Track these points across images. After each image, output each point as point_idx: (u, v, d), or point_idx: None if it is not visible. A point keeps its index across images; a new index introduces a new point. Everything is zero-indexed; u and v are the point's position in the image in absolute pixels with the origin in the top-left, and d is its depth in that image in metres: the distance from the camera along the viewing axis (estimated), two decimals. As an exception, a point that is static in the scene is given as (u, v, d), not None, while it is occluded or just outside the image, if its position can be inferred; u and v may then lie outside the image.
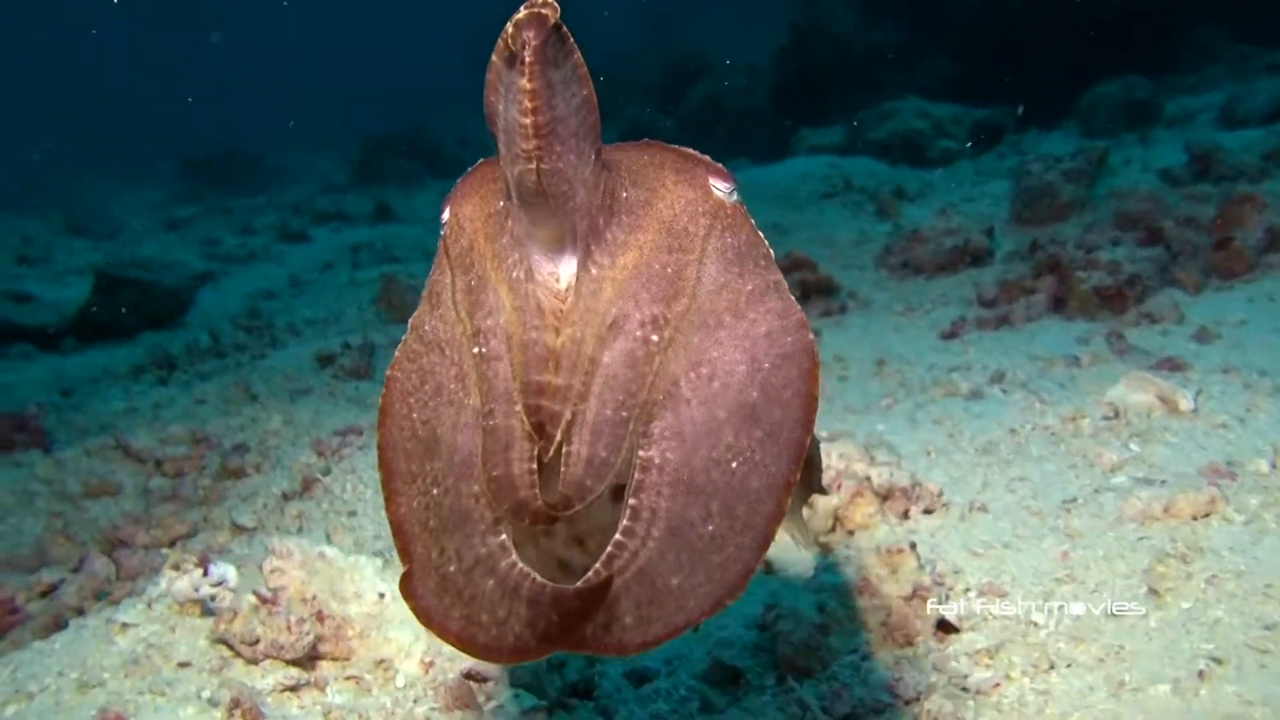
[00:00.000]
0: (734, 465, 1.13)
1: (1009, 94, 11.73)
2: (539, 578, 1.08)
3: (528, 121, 1.03)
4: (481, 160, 1.34)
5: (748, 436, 1.15)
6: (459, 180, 1.34)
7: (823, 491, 2.61)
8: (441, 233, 1.32)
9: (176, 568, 3.22)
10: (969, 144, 10.78)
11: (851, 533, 2.87)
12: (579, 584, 1.06)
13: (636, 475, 1.11)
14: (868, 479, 2.98)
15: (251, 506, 3.61)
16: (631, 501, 1.10)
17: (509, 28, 0.98)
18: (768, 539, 1.14)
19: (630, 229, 1.20)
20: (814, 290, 5.63)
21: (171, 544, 3.43)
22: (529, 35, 0.98)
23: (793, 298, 1.28)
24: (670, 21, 24.63)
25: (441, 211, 1.33)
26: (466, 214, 1.27)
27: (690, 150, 1.33)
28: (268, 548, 2.59)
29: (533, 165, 1.06)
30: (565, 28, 1.00)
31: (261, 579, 2.56)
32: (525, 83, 1.00)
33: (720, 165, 1.32)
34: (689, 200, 1.24)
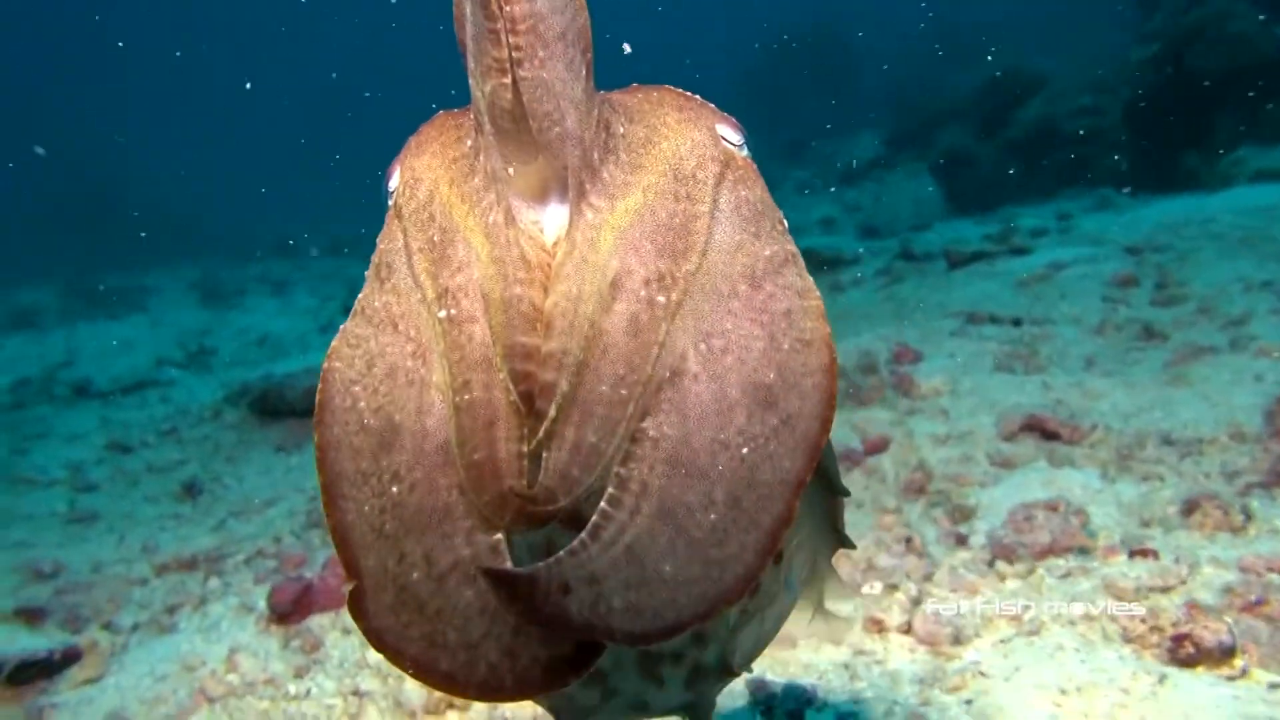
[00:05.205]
0: (744, 451, 0.97)
1: None
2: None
3: (500, 17, 0.86)
4: (438, 112, 1.12)
5: (761, 422, 0.98)
6: (410, 137, 1.10)
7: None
8: (390, 201, 1.10)
9: None
10: None
11: None
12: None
13: (626, 445, 0.95)
14: None
15: None
16: (619, 470, 0.94)
17: None
18: (773, 543, 0.97)
19: (631, 168, 1.01)
20: None
21: None
22: None
23: (810, 278, 1.07)
24: (982, 37, 21.83)
25: (387, 179, 1.11)
26: (423, 164, 1.06)
27: (688, 92, 1.13)
28: None
29: (508, 78, 0.89)
30: None
31: None
32: None
33: (726, 113, 1.12)
34: (695, 142, 1.06)
